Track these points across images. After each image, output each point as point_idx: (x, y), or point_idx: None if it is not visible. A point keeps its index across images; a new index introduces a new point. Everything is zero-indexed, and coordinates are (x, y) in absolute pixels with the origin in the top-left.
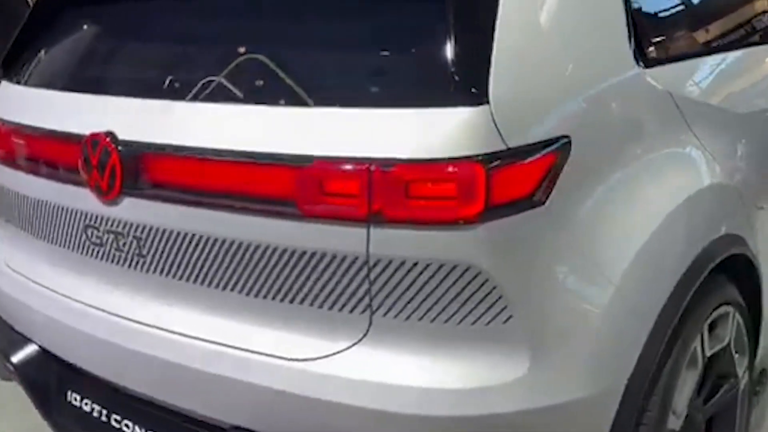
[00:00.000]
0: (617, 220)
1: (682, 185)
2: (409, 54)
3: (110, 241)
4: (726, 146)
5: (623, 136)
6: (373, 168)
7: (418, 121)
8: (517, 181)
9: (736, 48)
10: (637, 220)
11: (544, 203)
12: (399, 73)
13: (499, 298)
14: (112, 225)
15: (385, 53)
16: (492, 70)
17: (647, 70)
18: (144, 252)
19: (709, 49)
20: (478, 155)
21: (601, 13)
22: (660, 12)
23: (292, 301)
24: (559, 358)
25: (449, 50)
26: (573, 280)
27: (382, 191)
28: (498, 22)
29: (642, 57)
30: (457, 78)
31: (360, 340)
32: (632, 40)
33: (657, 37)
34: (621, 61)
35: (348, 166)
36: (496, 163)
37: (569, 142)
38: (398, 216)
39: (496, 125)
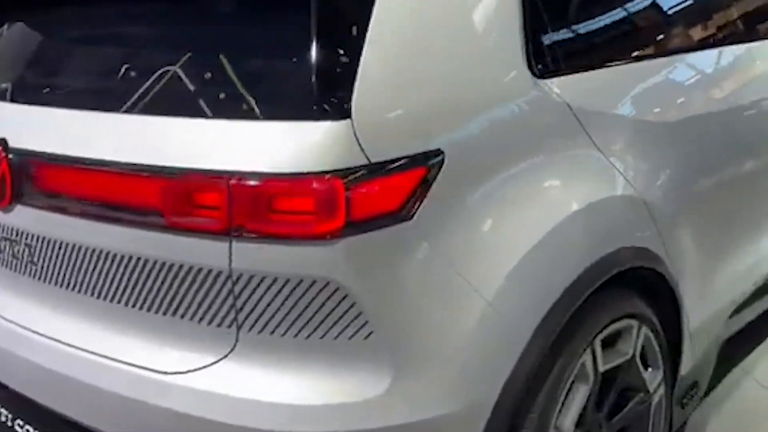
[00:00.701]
0: (495, 234)
1: (574, 197)
2: (275, 66)
3: (7, 248)
4: (636, 159)
5: (509, 148)
6: (233, 181)
7: (281, 135)
8: (381, 196)
9: (649, 58)
10: (518, 234)
11: (411, 218)
12: (264, 85)
13: (360, 314)
14: (7, 233)
15: (252, 65)
16: (357, 84)
17: (544, 81)
18: (35, 260)
19: (617, 59)
20: (338, 170)
21: (490, 25)
22: (563, 22)
23: (165, 313)
24: (423, 374)
25: (313, 63)
26: (441, 295)
27: (243, 205)
28: (368, 36)
29: (539, 68)
30: (319, 91)
31: (227, 355)
32: (528, 51)
33: (557, 47)
34: (511, 72)
35: (210, 179)
36: (357, 178)
37: (443, 156)
38: (259, 230)
39: (358, 140)
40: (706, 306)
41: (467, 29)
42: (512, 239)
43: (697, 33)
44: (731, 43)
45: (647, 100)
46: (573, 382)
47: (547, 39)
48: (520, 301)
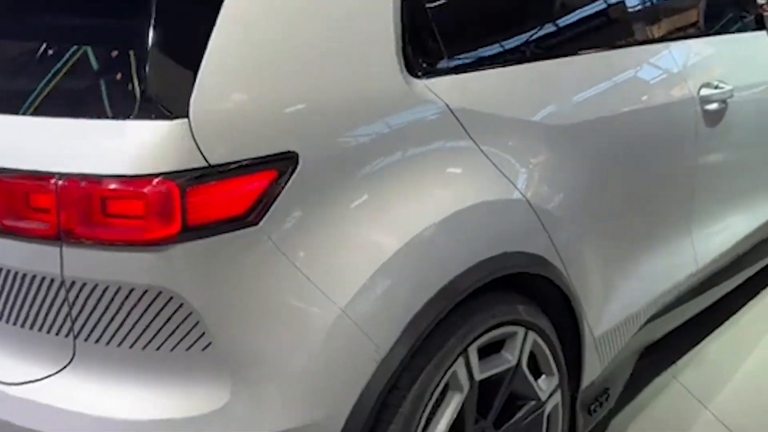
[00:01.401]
0: (356, 238)
1: (448, 201)
2: (109, 62)
3: None
4: (525, 163)
5: (377, 149)
6: (62, 183)
7: (114, 135)
8: (222, 200)
9: (541, 59)
10: (381, 238)
11: (258, 223)
12: (98, 82)
13: (196, 323)
14: None
15: (84, 60)
16: (197, 81)
17: (422, 81)
18: None
19: (507, 60)
20: (172, 172)
21: (358, 21)
22: (447, 18)
23: (7, 322)
24: (265, 388)
25: (149, 59)
26: (289, 304)
27: (72, 208)
28: (214, 30)
29: (417, 67)
30: (155, 89)
31: (66, 366)
32: (405, 49)
33: (440, 46)
34: (383, 71)
35: (39, 181)
36: (194, 180)
37: (296, 159)
38: (89, 236)
39: (195, 141)
40: (614, 313)
41: (332, 25)
42: (375, 244)
43: (593, 34)
44: (630, 45)
45: (539, 103)
46: (444, 391)
47: (428, 38)
48: (380, 309)
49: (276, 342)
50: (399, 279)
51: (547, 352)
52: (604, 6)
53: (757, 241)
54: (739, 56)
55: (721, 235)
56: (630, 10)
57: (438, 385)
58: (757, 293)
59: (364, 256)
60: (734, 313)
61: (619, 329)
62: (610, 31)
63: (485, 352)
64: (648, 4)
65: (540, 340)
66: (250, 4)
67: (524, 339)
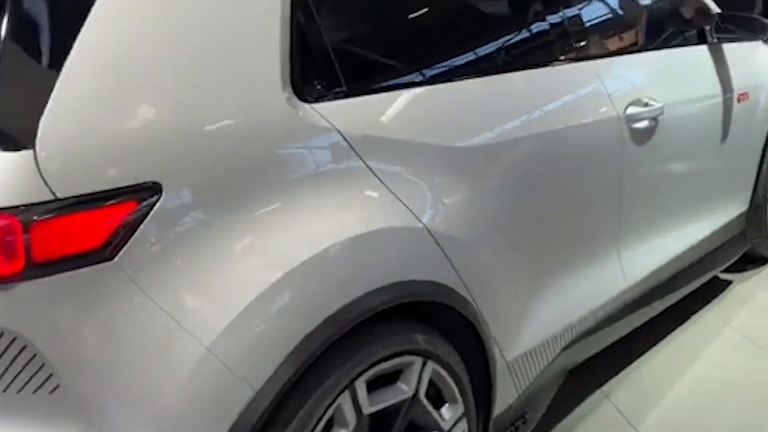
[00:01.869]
0: (227, 273)
1: (332, 230)
2: None
3: None
4: (424, 189)
5: (251, 179)
6: None
7: None
8: (72, 234)
9: (441, 82)
10: (255, 271)
11: (113, 258)
12: None
13: (43, 365)
14: None
15: None
16: (47, 110)
17: (311, 106)
18: None
19: (403, 83)
20: (14, 207)
21: (239, 46)
22: (340, 42)
23: None
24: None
25: None
26: (149, 344)
27: None
28: (68, 59)
29: (307, 92)
30: (0, 119)
31: None
32: (293, 74)
33: (333, 70)
34: (263, 97)
35: None
36: (40, 215)
37: (159, 189)
38: None
39: (41, 173)
40: (531, 336)
41: (204, 49)
42: (249, 277)
43: (506, 53)
44: (550, 64)
45: (442, 126)
46: (329, 426)
47: (320, 62)
48: (251, 344)
49: (135, 383)
50: (275, 313)
51: (450, 380)
52: (519, 25)
53: (693, 260)
54: (674, 72)
55: (651, 254)
56: (551, 28)
57: (320, 421)
58: (694, 312)
59: (236, 290)
60: (669, 332)
61: (537, 352)
62: (526, 51)
63: (382, 382)
64: (572, 21)
65: (441, 369)
66: (108, 27)
67: (422, 369)
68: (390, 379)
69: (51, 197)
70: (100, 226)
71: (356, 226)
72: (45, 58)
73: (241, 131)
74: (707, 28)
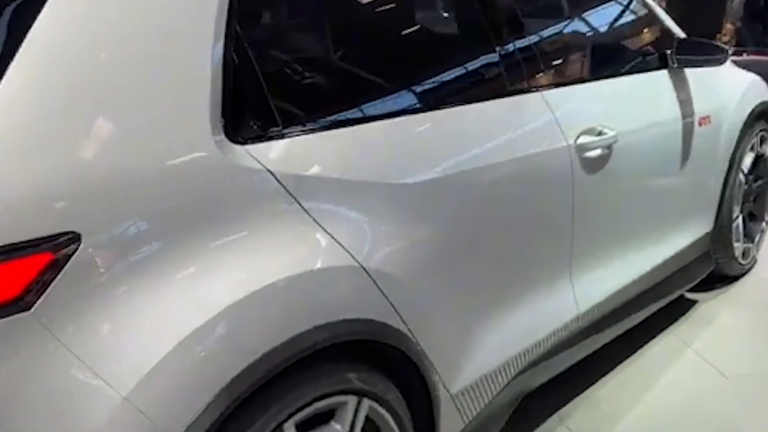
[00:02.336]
0: (148, 321)
1: (264, 272)
2: None
3: None
4: (362, 227)
5: (176, 224)
6: None
7: None
8: None
9: (379, 119)
10: (178, 318)
11: (29, 309)
12: None
13: None
14: None
15: None
16: None
17: (244, 147)
18: None
19: (337, 122)
20: None
21: (171, 89)
22: (275, 84)
23: None
24: None
25: None
26: (66, 394)
27: None
28: None
29: (239, 133)
30: None
31: None
32: (225, 115)
33: (268, 112)
34: (192, 140)
35: None
36: None
37: (77, 239)
38: None
39: None
40: (473, 369)
41: (132, 93)
42: (172, 324)
43: (449, 89)
44: (497, 97)
45: (381, 164)
46: None
47: (256, 103)
48: (170, 393)
49: None
50: (197, 359)
51: (387, 416)
52: (462, 58)
53: (655, 281)
54: (631, 99)
55: (608, 279)
56: (498, 60)
57: None
58: (656, 333)
59: (157, 336)
60: (629, 355)
61: (484, 382)
62: (469, 85)
63: (317, 421)
64: (523, 52)
65: (379, 407)
66: (27, 69)
67: (357, 407)
68: (326, 417)
69: None
70: (16, 277)
71: (287, 267)
72: None
73: (165, 177)
74: (669, 53)
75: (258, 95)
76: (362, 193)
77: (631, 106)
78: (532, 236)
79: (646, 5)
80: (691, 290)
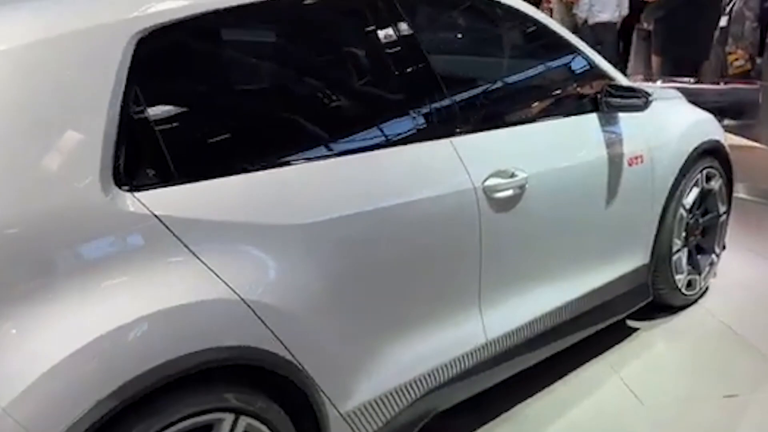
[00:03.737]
0: (25, 348)
1: (137, 306)
2: None
3: None
4: (245, 263)
5: (51, 263)
6: None
7: None
8: None
9: (279, 165)
10: (50, 347)
11: None
12: None
13: None
14: None
15: None
16: None
17: (131, 194)
18: None
19: (236, 168)
20: None
21: (60, 134)
22: (171, 134)
23: None
24: None
25: None
26: None
27: None
28: None
29: (127, 180)
30: None
31: None
32: (116, 164)
33: (162, 159)
34: (77, 187)
35: None
36: None
37: None
38: None
39: None
40: (367, 389)
41: (29, 145)
42: (44, 352)
43: (345, 137)
44: (400, 144)
45: (268, 210)
46: None
47: (149, 150)
48: (35, 419)
49: None
50: (66, 382)
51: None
52: (361, 106)
53: (580, 311)
54: (551, 142)
55: (517, 311)
56: (401, 106)
57: None
58: (590, 358)
59: (31, 362)
60: (561, 376)
61: (382, 401)
62: (369, 132)
63: None
64: (433, 101)
65: (259, 423)
66: None
67: (234, 424)
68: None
69: None
70: None
71: (162, 300)
72: None
73: (51, 217)
74: (599, 97)
75: (152, 147)
76: (250, 234)
77: (549, 149)
78: (433, 270)
79: (579, 52)
80: (634, 319)
